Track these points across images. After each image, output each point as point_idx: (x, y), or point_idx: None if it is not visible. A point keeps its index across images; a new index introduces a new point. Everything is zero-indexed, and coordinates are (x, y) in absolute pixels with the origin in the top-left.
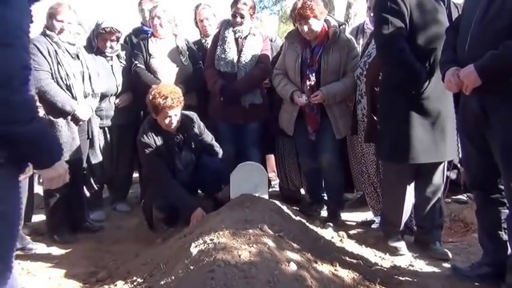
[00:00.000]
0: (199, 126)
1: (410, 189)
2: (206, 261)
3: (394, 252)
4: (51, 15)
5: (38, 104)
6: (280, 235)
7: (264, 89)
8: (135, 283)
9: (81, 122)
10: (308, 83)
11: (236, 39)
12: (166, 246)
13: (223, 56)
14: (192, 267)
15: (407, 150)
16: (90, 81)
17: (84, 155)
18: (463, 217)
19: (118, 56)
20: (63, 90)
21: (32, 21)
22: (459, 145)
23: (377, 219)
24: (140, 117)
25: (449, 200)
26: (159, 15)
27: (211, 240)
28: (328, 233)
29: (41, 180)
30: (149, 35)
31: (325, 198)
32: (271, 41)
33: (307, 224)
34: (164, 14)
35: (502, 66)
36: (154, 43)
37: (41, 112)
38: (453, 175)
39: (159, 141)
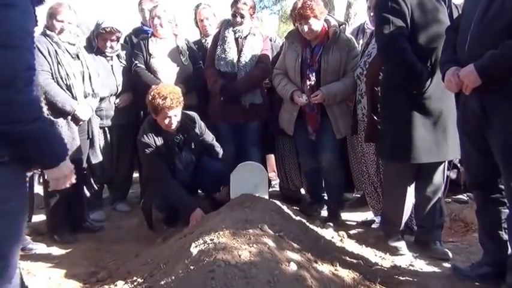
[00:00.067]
0: (200, 126)
1: (411, 189)
2: (206, 261)
3: (395, 252)
4: (51, 15)
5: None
6: (281, 235)
7: (264, 88)
8: (135, 283)
9: (81, 122)
10: (308, 82)
11: (236, 39)
12: (166, 246)
13: (223, 55)
14: (192, 267)
15: (409, 150)
16: (90, 81)
17: (84, 155)
18: (463, 217)
19: (118, 56)
20: (63, 90)
21: (36, 24)
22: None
23: (377, 219)
24: (140, 117)
25: (450, 200)
26: (159, 15)
27: (211, 240)
28: (328, 233)
29: (41, 180)
30: (149, 34)
31: (326, 198)
32: (271, 40)
33: (308, 224)
34: (164, 14)
35: (502, 65)
36: (155, 43)
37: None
38: (453, 175)
39: (159, 141)
